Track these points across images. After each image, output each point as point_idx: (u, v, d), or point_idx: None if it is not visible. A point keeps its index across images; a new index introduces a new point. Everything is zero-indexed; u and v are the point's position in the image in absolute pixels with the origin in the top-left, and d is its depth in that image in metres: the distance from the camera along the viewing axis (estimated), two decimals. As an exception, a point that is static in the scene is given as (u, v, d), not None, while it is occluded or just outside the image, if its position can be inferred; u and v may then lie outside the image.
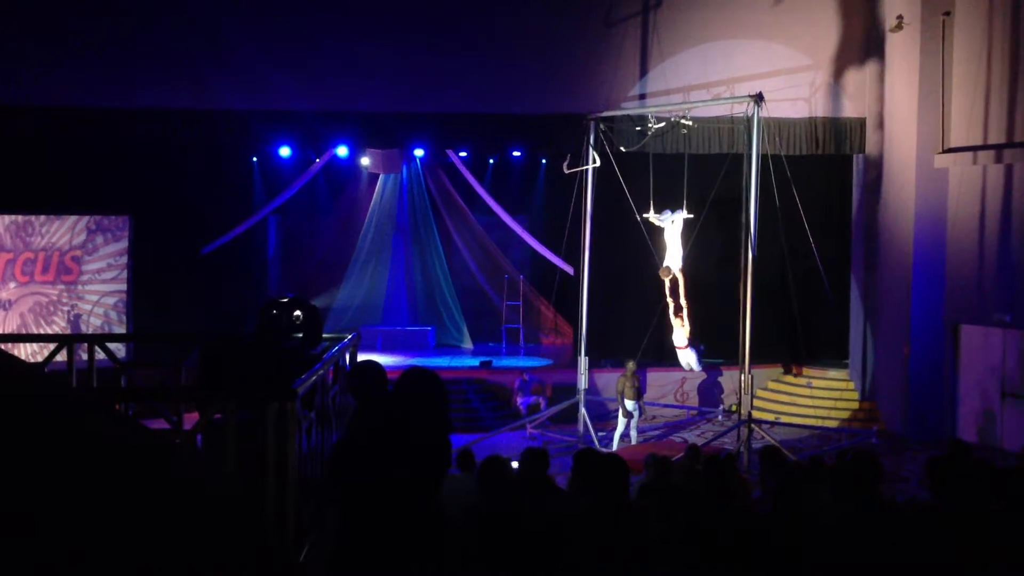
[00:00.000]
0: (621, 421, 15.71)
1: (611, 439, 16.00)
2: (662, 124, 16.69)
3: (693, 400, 19.16)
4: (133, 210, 18.80)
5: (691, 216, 15.77)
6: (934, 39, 16.68)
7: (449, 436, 4.57)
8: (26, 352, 15.13)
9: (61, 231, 18.55)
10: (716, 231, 17.63)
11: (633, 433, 15.71)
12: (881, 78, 17.81)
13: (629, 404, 15.52)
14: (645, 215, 15.80)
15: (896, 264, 17.52)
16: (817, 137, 17.84)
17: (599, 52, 17.56)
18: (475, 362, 19.69)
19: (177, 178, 18.70)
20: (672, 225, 15.69)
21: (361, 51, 17.10)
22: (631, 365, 15.73)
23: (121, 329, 18.46)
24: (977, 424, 16.29)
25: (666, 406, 18.64)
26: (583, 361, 16.72)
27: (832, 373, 19.26)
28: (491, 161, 21.22)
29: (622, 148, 16.63)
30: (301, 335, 6.49)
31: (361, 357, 6.70)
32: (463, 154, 19.95)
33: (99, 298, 18.72)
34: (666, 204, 15.82)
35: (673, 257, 15.64)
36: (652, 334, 17.03)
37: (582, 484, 5.67)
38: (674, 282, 15.63)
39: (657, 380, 18.85)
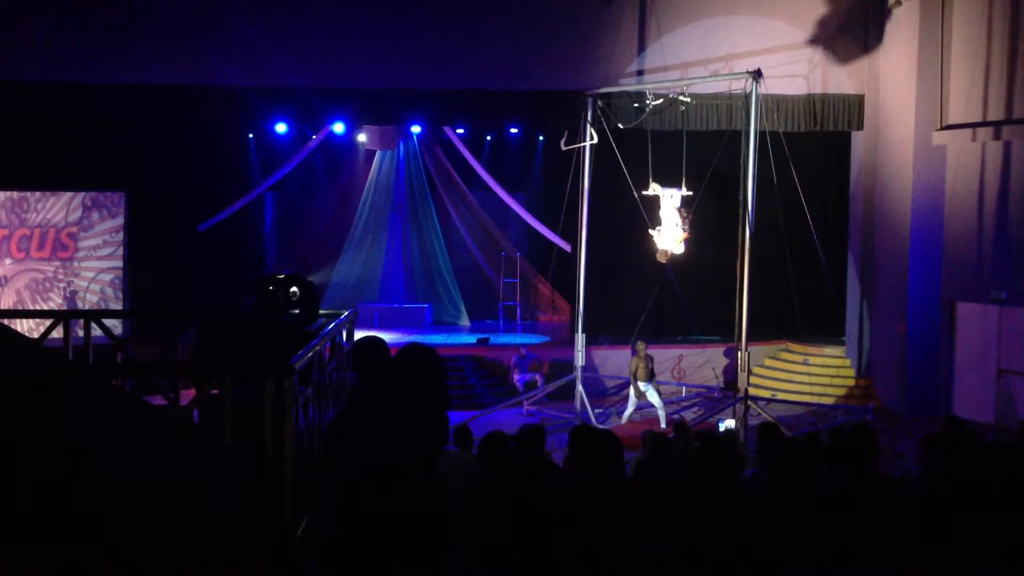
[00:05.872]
0: (632, 401, 15.70)
1: (608, 416, 16.05)
2: (660, 101, 16.64)
3: (690, 377, 19.19)
4: (129, 186, 18.75)
5: (690, 194, 15.74)
6: (933, 15, 16.61)
7: (446, 412, 4.57)
8: (22, 328, 15.10)
9: (57, 207, 18.50)
10: (714, 208, 17.61)
11: (661, 414, 15.51)
12: (880, 54, 17.74)
13: (642, 385, 15.49)
14: (645, 192, 15.77)
15: (893, 241, 17.52)
16: (815, 114, 17.78)
17: (597, 28, 17.46)
18: (472, 339, 19.71)
19: (173, 154, 18.64)
20: (670, 200, 15.66)
21: (358, 27, 17.00)
22: (642, 346, 15.68)
23: (117, 305, 18.45)
24: (973, 401, 16.33)
25: (663, 383, 18.67)
26: (580, 338, 16.73)
27: (829, 350, 19.29)
28: (488, 138, 21.16)
29: (620, 125, 16.59)
30: (298, 311, 6.47)
31: (358, 334, 6.69)
32: (460, 131, 19.88)
33: (95, 274, 18.71)
34: (664, 181, 15.81)
35: (668, 235, 15.61)
36: (649, 311, 17.06)
37: (578, 461, 5.68)
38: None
39: (654, 357, 18.87)
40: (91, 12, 16.47)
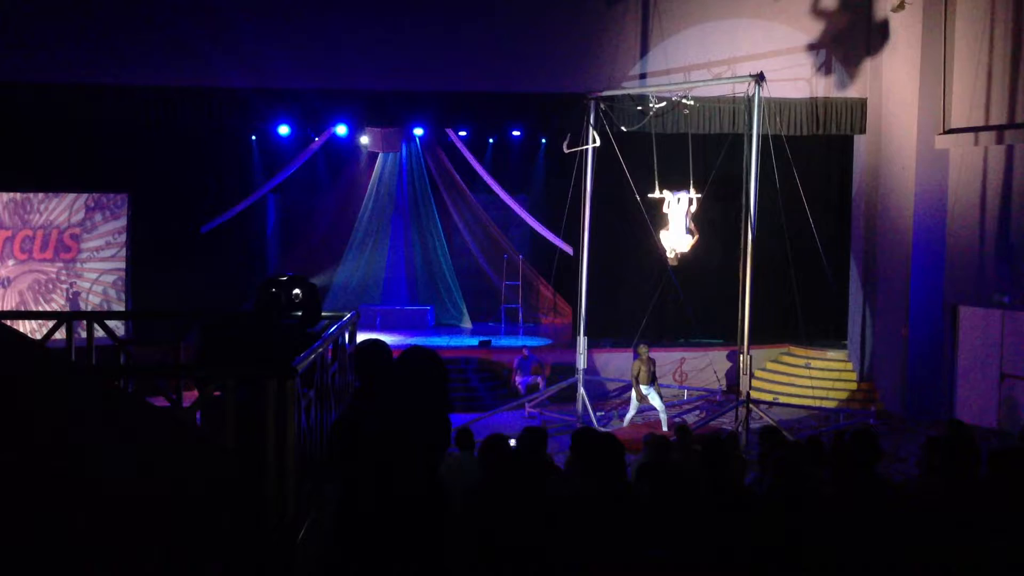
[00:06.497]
0: (634, 404, 15.68)
1: (609, 419, 16.03)
2: (663, 104, 16.66)
3: (692, 380, 19.18)
4: (132, 188, 18.75)
5: (699, 196, 15.71)
6: (936, 19, 16.61)
7: (448, 415, 4.57)
8: (25, 329, 15.09)
9: (60, 209, 18.51)
10: (716, 211, 17.60)
11: (663, 417, 15.48)
12: (883, 58, 17.73)
13: (644, 388, 15.46)
14: (651, 195, 15.77)
15: (896, 245, 17.51)
16: (818, 117, 17.78)
17: (599, 31, 17.47)
18: (474, 342, 19.70)
19: (176, 156, 18.64)
20: (678, 204, 15.65)
21: (361, 29, 17.00)
22: (644, 349, 15.65)
23: (120, 307, 18.45)
24: (975, 405, 16.32)
25: (664, 386, 18.68)
26: (582, 341, 16.72)
27: (831, 354, 19.26)
28: (491, 140, 21.15)
29: (622, 128, 16.58)
30: (300, 313, 6.48)
31: (360, 336, 6.70)
32: (463, 133, 19.89)
33: (98, 276, 18.71)
34: (667, 184, 15.82)
35: (677, 238, 15.61)
36: (651, 314, 17.06)
37: (579, 463, 5.68)
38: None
39: (656, 360, 18.89)
40: (94, 14, 16.47)
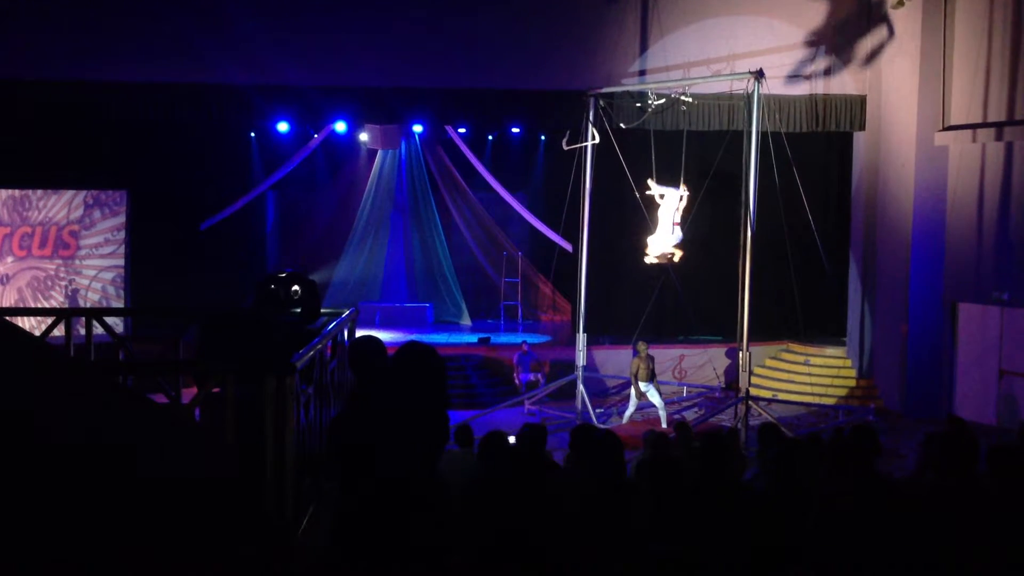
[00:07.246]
0: (633, 401, 15.66)
1: (609, 416, 16.02)
2: (662, 100, 16.64)
3: (691, 377, 19.18)
4: (131, 185, 18.73)
5: (688, 193, 15.70)
6: (935, 16, 16.61)
7: (447, 411, 4.57)
8: (24, 326, 15.10)
9: (58, 205, 18.49)
10: (715, 208, 17.60)
11: (662, 414, 15.47)
12: (882, 55, 17.72)
13: (643, 385, 15.44)
14: (648, 191, 15.75)
15: (895, 242, 17.51)
16: (817, 114, 17.77)
17: (599, 28, 17.46)
18: (473, 338, 19.71)
19: (175, 153, 18.65)
20: (665, 200, 15.63)
21: (360, 25, 16.99)
22: (644, 346, 15.62)
23: (119, 304, 18.43)
24: (974, 402, 16.32)
25: (664, 383, 18.67)
26: (581, 338, 16.71)
27: (830, 351, 19.27)
28: (490, 137, 21.16)
29: (622, 124, 16.57)
30: (299, 310, 6.48)
31: (359, 333, 6.70)
32: (462, 130, 19.88)
33: (97, 273, 18.69)
34: (665, 181, 15.80)
35: (663, 237, 15.57)
36: (650, 311, 17.06)
37: (579, 460, 5.68)
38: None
39: (655, 357, 18.88)
40: (93, 11, 16.46)
